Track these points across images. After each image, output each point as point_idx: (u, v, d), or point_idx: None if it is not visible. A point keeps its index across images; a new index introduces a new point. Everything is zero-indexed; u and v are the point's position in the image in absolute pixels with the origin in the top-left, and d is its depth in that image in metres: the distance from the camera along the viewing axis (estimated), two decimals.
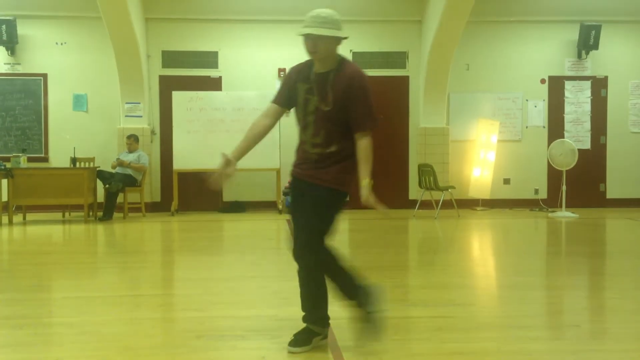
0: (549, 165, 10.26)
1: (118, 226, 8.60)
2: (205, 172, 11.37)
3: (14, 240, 7.53)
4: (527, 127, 10.80)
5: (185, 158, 9.65)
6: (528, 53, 10.74)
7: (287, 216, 9.57)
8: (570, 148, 9.67)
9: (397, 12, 10.53)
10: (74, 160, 9.43)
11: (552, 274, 5.47)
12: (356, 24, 10.49)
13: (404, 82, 10.68)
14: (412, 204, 10.16)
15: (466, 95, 10.68)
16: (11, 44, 9.94)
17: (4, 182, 8.70)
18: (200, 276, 5.17)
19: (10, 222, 8.71)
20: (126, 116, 10.10)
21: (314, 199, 3.07)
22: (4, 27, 9.79)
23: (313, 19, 3.03)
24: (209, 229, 8.51)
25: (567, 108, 10.87)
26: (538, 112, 10.81)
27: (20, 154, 9.04)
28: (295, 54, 10.64)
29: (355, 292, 3.18)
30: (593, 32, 10.44)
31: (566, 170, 9.78)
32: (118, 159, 9.45)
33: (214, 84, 10.38)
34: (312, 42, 3.03)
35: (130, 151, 9.56)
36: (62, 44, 10.23)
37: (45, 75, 10.22)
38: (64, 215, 9.59)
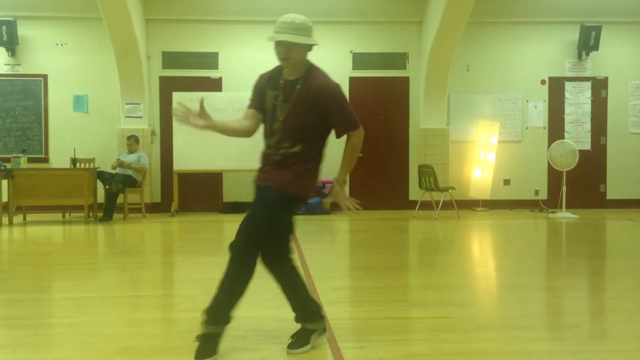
0: (549, 166, 10.26)
1: (118, 227, 8.60)
2: (205, 172, 11.22)
3: (14, 240, 7.53)
4: (527, 128, 10.80)
5: (186, 159, 9.66)
6: (528, 54, 10.74)
7: None
8: (570, 149, 9.67)
9: (397, 13, 10.53)
10: (74, 161, 9.43)
11: (552, 275, 5.46)
12: (356, 25, 10.51)
13: (404, 83, 10.69)
14: (412, 205, 10.16)
15: (466, 96, 10.69)
16: (11, 45, 9.96)
17: (4, 182, 8.70)
18: (201, 277, 5.16)
19: (11, 223, 8.71)
20: (126, 117, 10.10)
21: (260, 197, 3.04)
22: (4, 28, 9.81)
23: (287, 25, 2.97)
24: (209, 230, 8.51)
25: (568, 109, 10.87)
26: (538, 113, 10.81)
27: (20, 155, 9.05)
28: None
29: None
30: (593, 33, 10.45)
31: (566, 171, 9.78)
32: (118, 159, 9.46)
33: (214, 85, 10.38)
34: (285, 49, 2.98)
35: (131, 152, 9.56)
36: (62, 44, 10.24)
37: (45, 76, 10.23)
38: (64, 216, 9.60)
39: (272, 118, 3.08)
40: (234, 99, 9.76)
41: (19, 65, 10.18)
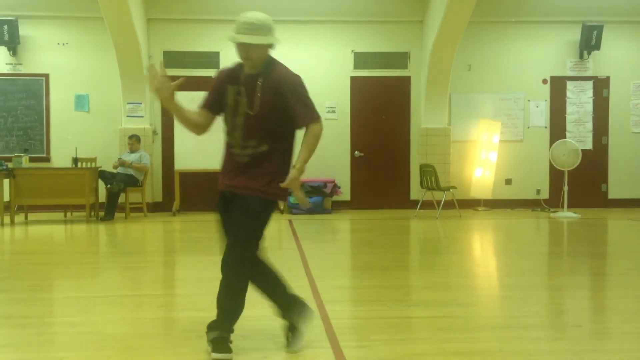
0: (551, 165, 10.25)
1: (120, 226, 8.60)
2: (207, 172, 11.20)
3: (16, 240, 7.53)
4: (528, 127, 10.79)
5: (187, 158, 9.66)
6: (530, 53, 10.73)
7: (289, 216, 9.61)
8: (572, 148, 9.66)
9: (398, 13, 10.53)
10: (75, 161, 9.44)
11: (553, 275, 5.46)
12: (357, 24, 10.51)
13: (405, 82, 10.68)
14: (413, 204, 10.16)
15: (468, 95, 10.68)
16: (13, 45, 9.96)
17: (6, 182, 8.72)
18: (202, 276, 5.16)
19: (12, 222, 8.72)
20: (128, 116, 10.11)
21: (243, 209, 2.98)
22: (5, 27, 9.82)
23: (245, 25, 2.94)
24: (211, 229, 8.50)
25: (569, 108, 10.86)
26: (540, 113, 10.80)
27: (22, 154, 9.06)
28: (297, 54, 10.69)
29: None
30: (595, 32, 10.44)
31: (568, 171, 9.77)
32: (120, 159, 9.46)
33: None
34: (245, 49, 2.97)
35: (132, 151, 9.57)
36: (63, 44, 10.25)
37: (47, 76, 10.23)
38: (65, 215, 9.60)
39: (234, 113, 3.05)
40: None
41: (21, 64, 10.19)
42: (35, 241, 7.41)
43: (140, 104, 10.11)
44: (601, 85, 10.87)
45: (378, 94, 10.63)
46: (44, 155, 10.20)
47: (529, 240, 7.58)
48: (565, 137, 10.51)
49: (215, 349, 2.99)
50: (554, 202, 10.49)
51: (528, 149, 10.77)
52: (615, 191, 10.91)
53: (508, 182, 10.76)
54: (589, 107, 10.87)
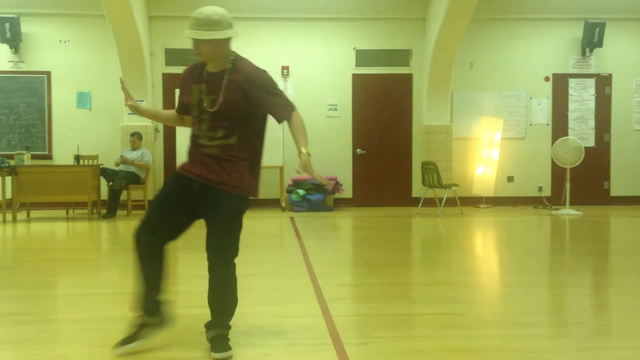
0: (553, 162, 10.23)
1: (121, 223, 8.61)
2: None
3: (18, 237, 7.55)
4: (530, 124, 10.78)
5: None
6: (532, 51, 10.71)
7: (291, 214, 9.60)
8: (575, 145, 9.64)
9: (400, 10, 10.51)
10: (77, 158, 9.44)
11: (555, 272, 5.45)
12: (360, 21, 10.49)
13: (407, 79, 10.67)
14: (415, 202, 10.16)
15: (470, 93, 10.66)
16: (15, 42, 9.96)
17: (8, 179, 8.72)
18: (204, 273, 5.14)
19: (14, 220, 8.73)
20: (130, 114, 10.10)
21: (224, 208, 2.98)
22: (7, 24, 9.81)
23: (199, 21, 2.90)
24: None
25: (571, 106, 10.84)
26: (542, 110, 10.79)
27: (24, 152, 9.07)
28: (298, 52, 10.64)
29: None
30: (597, 29, 10.41)
31: (570, 168, 9.75)
32: (122, 156, 9.46)
33: None
34: (196, 45, 2.96)
35: (134, 149, 9.56)
36: (65, 41, 10.25)
37: (48, 73, 10.23)
38: (67, 213, 9.61)
39: (200, 110, 3.04)
40: None
41: (23, 62, 10.19)
42: (37, 238, 7.43)
43: (142, 101, 10.09)
44: (603, 83, 10.84)
45: (380, 91, 10.62)
46: (46, 152, 10.21)
47: (530, 238, 7.57)
48: (567, 135, 10.49)
49: (214, 348, 2.99)
50: (556, 199, 10.48)
51: (530, 147, 10.75)
52: (617, 188, 10.90)
53: (510, 179, 10.75)
54: (591, 104, 10.85)
